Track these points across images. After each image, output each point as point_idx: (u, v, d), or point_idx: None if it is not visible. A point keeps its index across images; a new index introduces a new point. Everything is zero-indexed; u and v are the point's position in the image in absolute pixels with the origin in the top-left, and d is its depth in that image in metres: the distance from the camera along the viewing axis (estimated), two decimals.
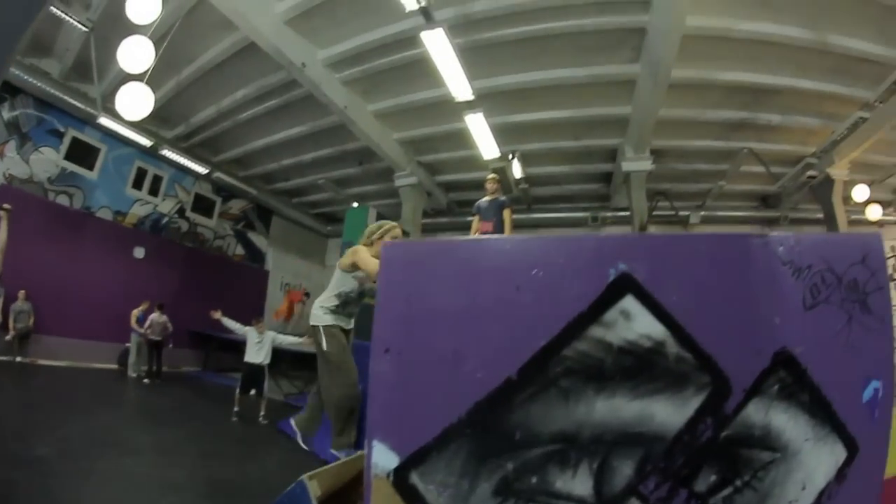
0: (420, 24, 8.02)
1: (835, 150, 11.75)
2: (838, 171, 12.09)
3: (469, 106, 9.73)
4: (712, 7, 8.16)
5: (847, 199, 13.02)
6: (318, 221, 20.53)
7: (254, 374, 9.44)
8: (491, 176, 8.75)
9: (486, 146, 11.00)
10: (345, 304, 4.68)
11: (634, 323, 2.20)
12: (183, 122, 13.58)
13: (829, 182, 12.19)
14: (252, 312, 11.09)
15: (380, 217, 12.57)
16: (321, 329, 4.54)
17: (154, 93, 7.77)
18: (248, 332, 9.67)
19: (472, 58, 8.95)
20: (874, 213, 13.80)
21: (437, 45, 8.28)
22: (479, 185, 9.62)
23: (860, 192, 12.72)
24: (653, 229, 12.57)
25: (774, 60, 9.25)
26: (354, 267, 4.47)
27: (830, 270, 2.43)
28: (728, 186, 13.35)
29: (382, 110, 11.49)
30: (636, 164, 11.26)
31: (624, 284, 2.23)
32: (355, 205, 15.79)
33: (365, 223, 11.15)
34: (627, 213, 12.52)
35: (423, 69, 9.26)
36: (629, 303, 2.22)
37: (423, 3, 7.50)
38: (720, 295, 2.29)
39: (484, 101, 9.90)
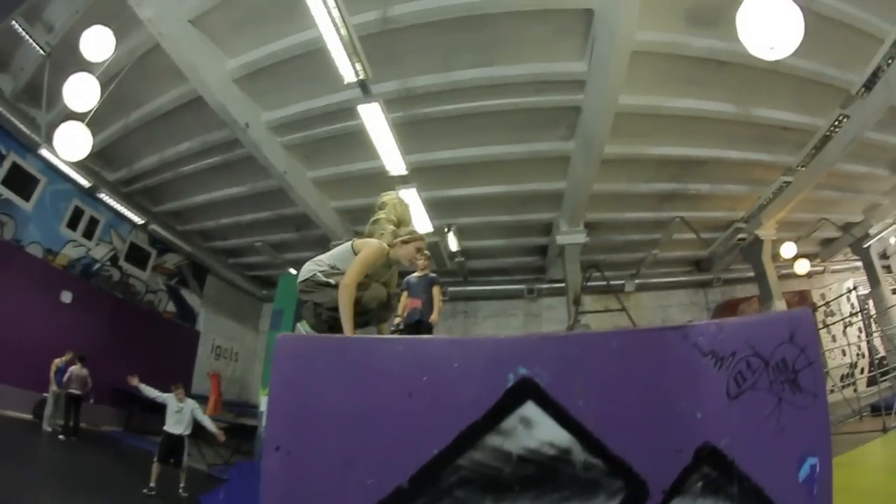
0: (359, 97, 8.13)
1: (762, 213, 12.42)
2: (766, 232, 12.72)
3: (402, 180, 9.85)
4: (643, 86, 8.59)
5: (776, 256, 13.69)
6: (254, 284, 19.91)
7: (173, 444, 8.92)
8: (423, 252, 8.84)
9: (419, 221, 10.96)
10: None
11: (536, 430, 2.16)
12: (126, 166, 13.02)
13: (758, 243, 12.80)
14: (180, 372, 10.65)
15: None
16: (312, 282, 3.83)
17: (101, 131, 7.64)
18: (168, 400, 9.19)
19: (412, 132, 9.14)
20: (802, 267, 14.56)
21: (373, 119, 8.40)
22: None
23: (788, 250, 13.43)
24: (588, 300, 12.88)
25: (702, 133, 9.83)
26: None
27: (757, 355, 2.43)
28: (661, 254, 13.97)
29: (321, 178, 11.50)
30: (570, 237, 11.56)
31: (524, 390, 2.19)
32: (293, 271, 14.99)
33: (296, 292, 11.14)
34: (562, 285, 12.77)
35: (361, 140, 9.30)
36: (530, 409, 2.18)
37: (360, 76, 7.60)
38: (634, 395, 2.26)
39: (420, 174, 10.08)
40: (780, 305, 12.77)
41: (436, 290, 7.91)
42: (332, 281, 3.74)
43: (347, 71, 7.52)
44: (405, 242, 4.09)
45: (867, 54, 8.44)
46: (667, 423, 2.23)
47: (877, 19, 8.08)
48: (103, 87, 7.38)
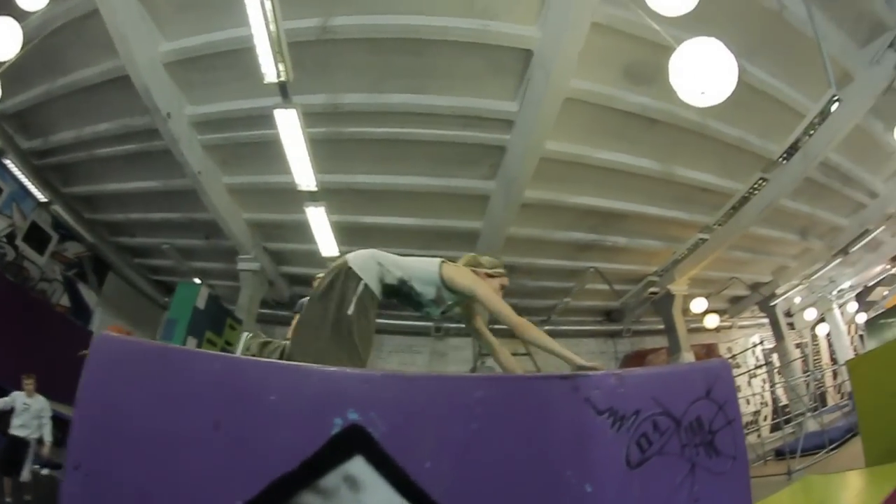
0: (278, 102, 7.80)
1: (675, 269, 12.84)
2: (678, 287, 13.10)
3: (311, 197, 9.52)
4: (571, 134, 8.71)
5: (686, 310, 14.12)
6: (157, 289, 18.45)
7: (16, 450, 7.80)
8: (318, 275, 8.50)
9: (325, 242, 10.72)
10: (396, 293, 3.66)
11: (365, 495, 1.71)
12: (42, 136, 11.75)
13: (669, 297, 13.16)
14: (64, 374, 9.42)
15: (214, 298, 11.84)
16: (358, 287, 3.29)
17: (22, 91, 6.94)
18: (15, 397, 8.07)
19: (332, 150, 8.90)
20: (711, 322, 15.05)
21: (289, 126, 8.03)
22: None
23: (698, 305, 13.88)
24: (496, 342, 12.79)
25: (625, 187, 10.06)
26: (451, 282, 3.43)
27: (666, 413, 2.10)
28: (574, 302, 14.11)
29: (236, 185, 10.95)
30: None
31: (351, 440, 1.75)
32: (198, 281, 14.32)
33: (194, 302, 10.73)
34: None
35: (279, 152, 8.90)
36: (358, 467, 1.73)
37: (282, 78, 7.27)
38: (502, 460, 1.85)
39: (335, 196, 9.81)
40: (688, 357, 13.13)
41: None
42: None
43: (269, 69, 7.16)
44: (490, 276, 3.76)
45: (789, 126, 9.07)
46: (546, 499, 1.82)
47: (801, 96, 8.70)
48: (30, 40, 6.82)
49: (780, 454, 10.64)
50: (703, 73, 5.27)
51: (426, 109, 8.41)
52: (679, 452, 2.12)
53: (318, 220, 9.98)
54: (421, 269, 3.54)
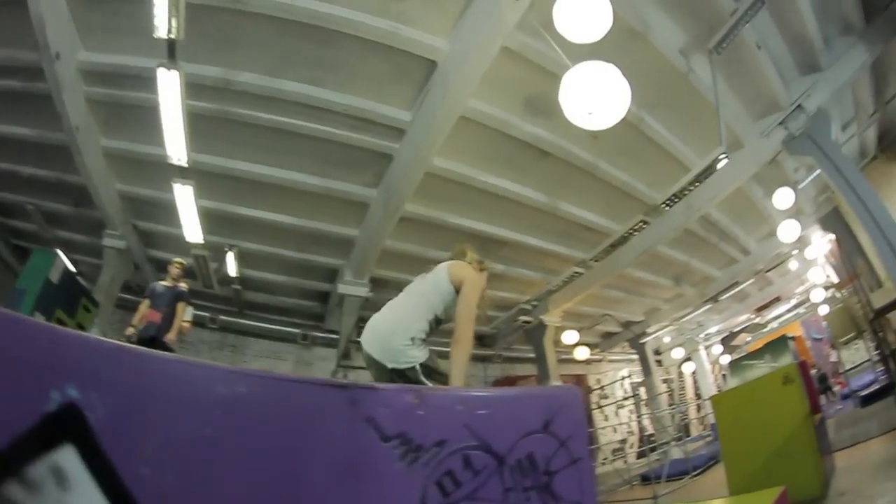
0: (163, 62, 7.00)
1: (549, 300, 13.13)
2: (551, 319, 13.38)
3: (181, 174, 8.66)
4: (461, 153, 8.54)
5: (558, 341, 14.50)
6: (15, 255, 15.93)
7: None
8: (177, 260, 8.09)
9: (191, 226, 9.83)
10: (432, 333, 3.40)
11: (70, 496, 1.25)
12: None
13: (542, 327, 13.39)
14: None
15: (70, 273, 10.33)
16: (418, 369, 3.23)
17: None
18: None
19: (215, 129, 8.16)
20: (582, 353, 15.58)
21: (170, 90, 7.32)
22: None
23: (570, 337, 14.27)
24: (360, 356, 12.53)
25: (509, 215, 10.02)
26: (457, 279, 3.35)
27: (484, 448, 1.73)
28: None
29: (114, 150, 9.82)
30: (353, 288, 11.07)
31: (65, 424, 1.28)
32: (60, 253, 10.96)
33: (46, 273, 9.74)
34: (338, 336, 12.15)
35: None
36: (68, 458, 1.27)
37: (172, 35, 6.58)
38: (244, 476, 1.43)
39: (208, 178, 9.12)
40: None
41: (180, 307, 7.29)
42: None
43: (162, 22, 6.48)
44: (480, 269, 3.66)
45: (677, 178, 9.43)
46: None
47: (692, 152, 9.14)
48: None
49: (645, 479, 10.96)
50: (593, 95, 5.21)
51: (320, 103, 8.01)
52: (500, 499, 1.73)
53: (185, 200, 9.22)
54: (435, 289, 3.43)
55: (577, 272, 11.43)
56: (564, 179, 9.45)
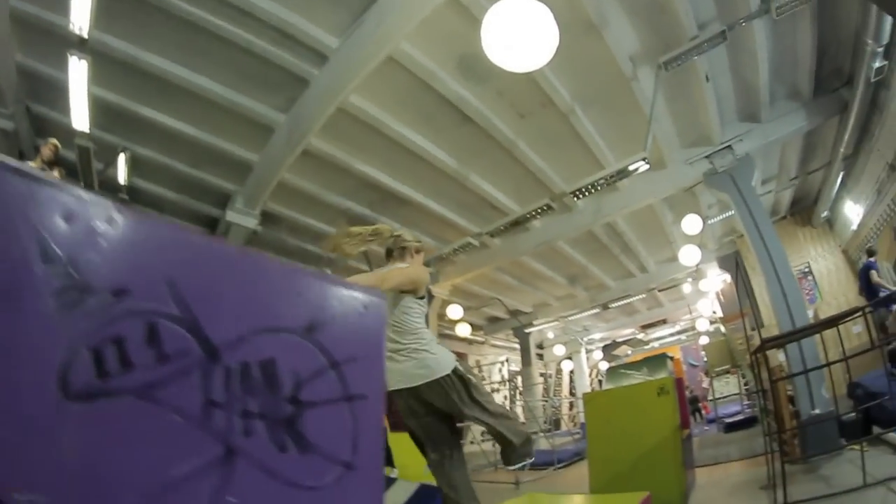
0: None
1: (442, 272, 12.89)
2: (439, 290, 13.12)
3: (79, 46, 7.26)
4: (380, 97, 7.88)
5: (443, 315, 14.32)
6: None
7: None
8: (52, 141, 7.26)
9: (79, 112, 8.39)
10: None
11: None
12: None
13: (429, 297, 13.06)
14: None
15: None
16: (452, 377, 3.19)
17: None
18: None
19: (129, 9, 7.14)
20: (463, 330, 15.43)
21: None
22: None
23: (455, 311, 14.06)
24: None
25: (416, 174, 9.52)
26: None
27: (189, 323, 1.11)
28: (334, 276, 13.27)
29: (22, 12, 7.05)
30: (242, 217, 10.11)
31: None
32: None
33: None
34: None
35: None
36: None
37: None
38: None
39: (110, 63, 7.89)
40: None
41: None
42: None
43: None
44: (418, 251, 3.82)
45: (592, 169, 9.11)
46: None
47: (612, 156, 9.14)
48: None
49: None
50: (516, 29, 4.77)
51: (248, 6, 7.20)
52: (197, 414, 1.08)
53: (79, 79, 8.08)
54: (408, 306, 3.38)
55: (470, 242, 10.87)
56: (480, 151, 9.03)
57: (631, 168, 8.04)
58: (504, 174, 9.72)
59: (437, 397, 3.19)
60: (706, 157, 9.41)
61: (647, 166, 8.01)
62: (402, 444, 9.15)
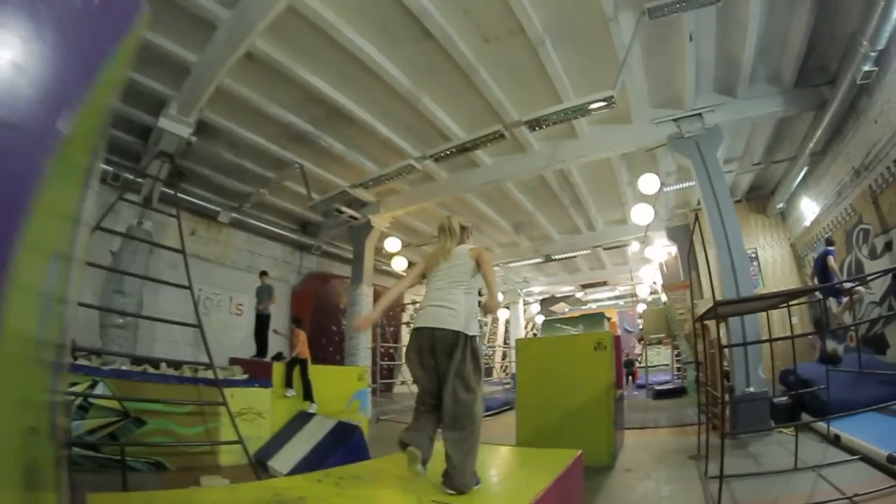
0: None
1: (383, 203, 12.36)
2: (380, 221, 12.53)
3: None
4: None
5: (380, 249, 13.77)
6: None
7: None
8: None
9: None
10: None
11: None
12: None
13: (367, 227, 12.50)
14: None
15: None
16: (473, 340, 3.47)
17: None
18: None
19: None
20: (400, 265, 14.90)
21: None
22: None
23: (392, 244, 13.49)
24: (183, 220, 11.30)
25: (366, 90, 8.70)
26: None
27: None
28: (271, 198, 12.68)
29: None
30: (175, 125, 8.85)
31: None
32: None
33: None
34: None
35: None
36: None
37: None
38: None
39: None
40: (367, 291, 12.71)
41: None
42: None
43: None
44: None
45: (553, 100, 8.55)
46: None
47: (577, 98, 8.05)
48: None
49: None
50: None
51: None
52: None
53: None
54: (467, 269, 3.73)
55: (413, 167, 9.93)
56: (437, 72, 8.29)
57: (594, 106, 7.38)
58: (459, 101, 9.03)
59: (448, 345, 3.37)
60: (674, 119, 9.06)
61: (612, 107, 7.39)
62: (324, 379, 8.91)
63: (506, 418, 10.00)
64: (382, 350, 13.97)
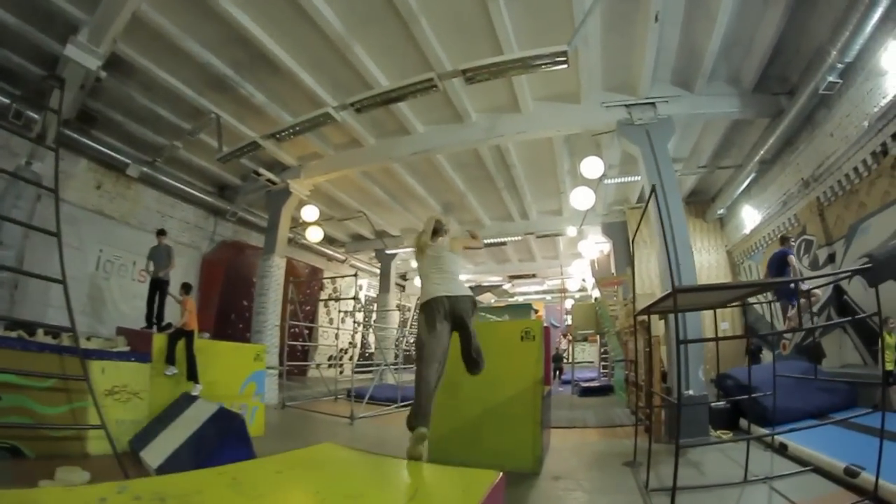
0: None
1: (305, 168, 11.46)
2: (299, 187, 11.57)
3: None
4: None
5: (297, 218, 12.81)
6: None
7: None
8: None
9: None
10: None
11: None
12: None
13: (286, 193, 11.54)
14: None
15: None
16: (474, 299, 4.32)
17: None
18: None
19: None
20: (314, 235, 13.78)
21: None
22: None
23: (309, 212, 12.46)
24: (83, 167, 10.32)
25: (293, 33, 7.75)
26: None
27: None
28: (186, 153, 11.39)
29: None
30: (83, 55, 7.52)
31: None
32: None
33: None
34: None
35: None
36: None
37: None
38: None
39: None
40: (278, 262, 11.76)
41: None
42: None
43: None
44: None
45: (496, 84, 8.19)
46: None
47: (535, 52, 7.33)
48: None
49: (351, 396, 10.45)
50: None
51: None
52: None
53: None
54: (455, 259, 4.50)
55: (330, 115, 8.88)
56: (373, 19, 7.40)
57: (542, 61, 6.67)
58: (394, 54, 8.03)
59: (466, 307, 4.13)
60: (626, 105, 8.62)
61: (563, 66, 6.70)
62: (215, 356, 7.82)
63: (401, 419, 9.10)
64: (297, 330, 12.99)
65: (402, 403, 10.15)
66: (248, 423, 7.62)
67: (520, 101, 8.76)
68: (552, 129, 9.25)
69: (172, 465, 4.79)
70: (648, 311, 5.30)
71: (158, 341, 7.07)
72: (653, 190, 5.23)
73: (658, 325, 8.49)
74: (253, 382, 8.06)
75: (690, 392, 6.87)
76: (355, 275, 12.01)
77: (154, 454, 5.36)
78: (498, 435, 5.76)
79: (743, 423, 6.94)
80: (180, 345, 7.22)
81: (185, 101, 9.44)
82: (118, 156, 10.76)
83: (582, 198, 10.59)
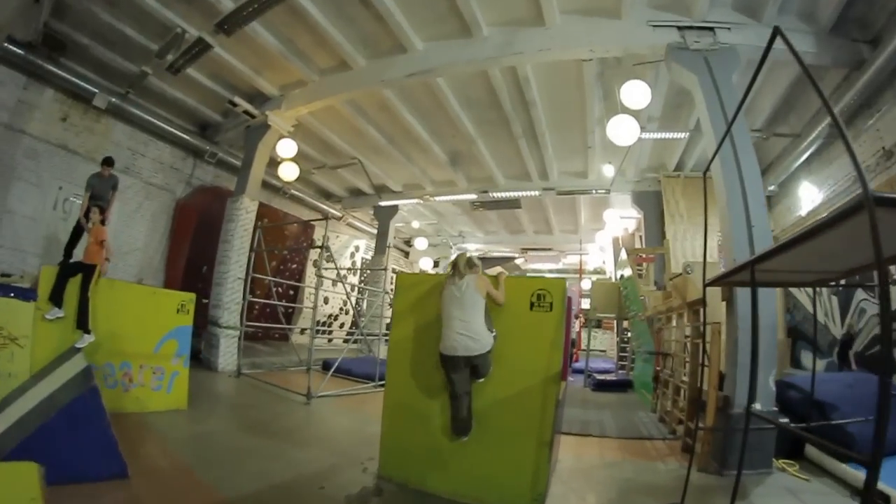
0: None
1: (286, 99, 10.01)
2: (280, 121, 10.06)
3: None
4: None
5: (276, 160, 11.23)
6: None
7: None
8: None
9: None
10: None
11: None
12: None
13: (264, 128, 10.11)
14: None
15: None
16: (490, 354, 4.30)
17: None
18: None
19: None
20: (289, 173, 11.86)
21: None
22: None
23: (286, 147, 10.73)
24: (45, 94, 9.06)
25: None
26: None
27: None
28: (161, 83, 10.06)
29: None
30: None
31: None
32: None
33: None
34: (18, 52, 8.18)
35: None
36: None
37: None
38: None
39: None
40: (248, 205, 10.37)
41: None
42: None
43: None
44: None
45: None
46: None
47: None
48: None
49: (326, 367, 10.15)
50: None
51: None
52: None
53: None
54: (479, 302, 4.34)
55: (330, 69, 7.53)
56: None
57: None
58: None
59: (483, 362, 4.16)
60: (678, 27, 6.94)
61: None
62: (123, 302, 6.19)
63: (371, 405, 7.68)
64: (281, 290, 11.62)
65: (381, 382, 8.38)
66: (166, 392, 6.22)
67: (545, 10, 7.08)
68: (584, 48, 7.40)
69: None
70: (725, 280, 3.64)
71: (45, 275, 5.54)
72: (728, 129, 3.58)
73: (715, 311, 6.15)
74: (174, 340, 6.41)
75: (758, 406, 5.12)
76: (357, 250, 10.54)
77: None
78: (483, 455, 4.03)
79: (810, 450, 5.40)
80: (74, 281, 5.72)
81: (156, 21, 8.14)
82: (87, 85, 9.54)
83: (624, 130, 8.21)
